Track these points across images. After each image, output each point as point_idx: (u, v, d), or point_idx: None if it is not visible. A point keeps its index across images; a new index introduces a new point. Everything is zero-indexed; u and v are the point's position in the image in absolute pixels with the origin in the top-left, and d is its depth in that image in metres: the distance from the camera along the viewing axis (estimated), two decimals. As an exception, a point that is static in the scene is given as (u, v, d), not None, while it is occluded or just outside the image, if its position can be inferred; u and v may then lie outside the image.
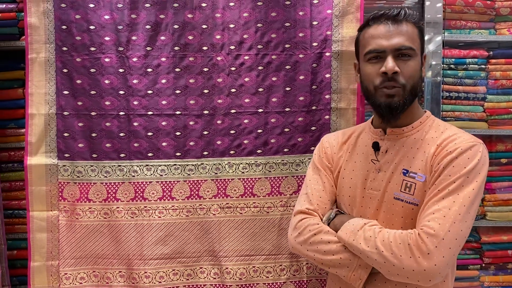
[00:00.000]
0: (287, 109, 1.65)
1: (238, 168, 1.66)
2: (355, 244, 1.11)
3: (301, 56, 1.64)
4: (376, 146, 1.24)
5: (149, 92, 1.63)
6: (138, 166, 1.64)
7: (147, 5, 1.61)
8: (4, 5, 1.75)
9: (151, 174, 1.64)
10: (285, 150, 1.66)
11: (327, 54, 1.64)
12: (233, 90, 1.64)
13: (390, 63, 1.14)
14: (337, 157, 1.33)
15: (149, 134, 1.63)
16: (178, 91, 1.64)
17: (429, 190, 1.10)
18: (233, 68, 1.64)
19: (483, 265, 1.97)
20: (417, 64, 1.18)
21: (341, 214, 1.26)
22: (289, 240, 1.27)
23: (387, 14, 1.19)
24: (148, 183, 1.64)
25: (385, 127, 1.23)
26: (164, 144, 1.64)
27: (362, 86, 1.26)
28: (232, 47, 1.63)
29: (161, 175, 1.64)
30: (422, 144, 1.17)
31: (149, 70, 1.62)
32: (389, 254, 1.05)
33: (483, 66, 1.91)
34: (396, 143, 1.21)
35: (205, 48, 1.63)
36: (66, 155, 1.62)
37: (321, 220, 1.25)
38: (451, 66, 1.91)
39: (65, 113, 1.62)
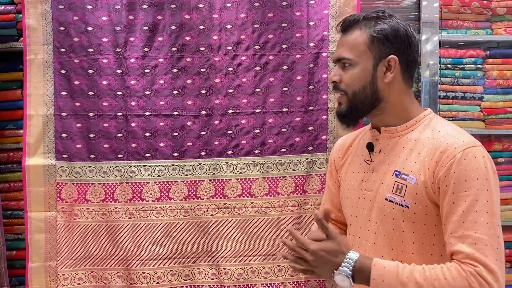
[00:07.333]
0: (284, 109, 1.66)
1: (235, 168, 1.66)
2: None
3: (298, 56, 1.64)
4: (370, 147, 1.22)
5: (147, 92, 1.63)
6: (135, 167, 1.64)
7: (145, 6, 1.62)
8: (2, 7, 1.76)
9: (149, 175, 1.64)
10: (283, 150, 1.66)
11: (324, 54, 1.64)
12: (230, 90, 1.65)
13: (331, 73, 1.19)
14: (342, 162, 1.34)
15: (147, 134, 1.64)
16: (175, 92, 1.64)
17: (448, 207, 1.03)
18: (230, 69, 1.64)
19: (482, 264, 1.97)
20: (359, 71, 1.14)
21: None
22: None
23: (342, 21, 1.19)
24: (145, 183, 1.64)
25: (379, 127, 1.20)
26: (161, 144, 1.64)
27: None
28: (229, 48, 1.64)
29: (159, 176, 1.64)
30: (416, 145, 1.13)
31: (147, 71, 1.63)
32: None
33: (480, 66, 1.91)
34: (389, 143, 1.18)
35: (202, 48, 1.64)
36: (64, 156, 1.63)
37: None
38: (448, 66, 1.91)
39: (63, 114, 1.62)
